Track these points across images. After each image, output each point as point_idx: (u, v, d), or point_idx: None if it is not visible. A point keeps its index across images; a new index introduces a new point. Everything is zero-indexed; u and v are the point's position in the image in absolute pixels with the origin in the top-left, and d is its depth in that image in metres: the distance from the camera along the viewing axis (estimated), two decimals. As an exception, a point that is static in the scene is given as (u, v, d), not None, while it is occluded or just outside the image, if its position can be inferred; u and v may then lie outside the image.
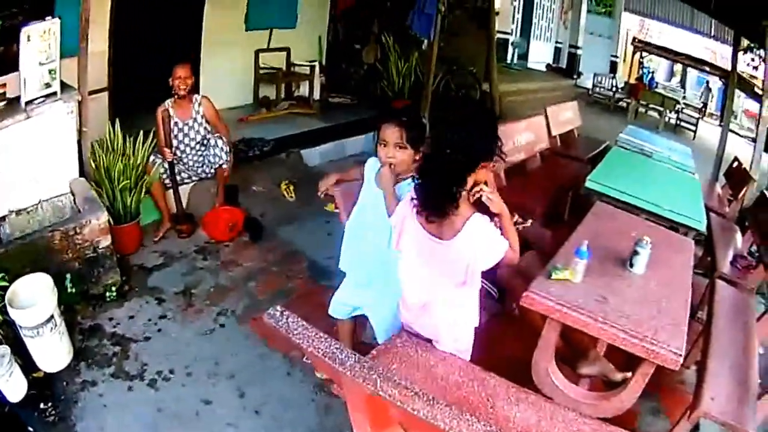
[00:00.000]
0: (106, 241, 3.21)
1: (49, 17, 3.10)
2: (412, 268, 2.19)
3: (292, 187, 4.89)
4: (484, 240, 1.99)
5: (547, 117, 6.14)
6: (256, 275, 3.69)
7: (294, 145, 5.63)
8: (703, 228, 3.96)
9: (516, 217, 3.07)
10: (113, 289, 3.21)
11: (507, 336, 3.28)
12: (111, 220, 3.31)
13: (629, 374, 2.43)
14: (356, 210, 2.56)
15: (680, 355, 2.12)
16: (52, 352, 2.59)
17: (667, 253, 3.09)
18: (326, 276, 3.64)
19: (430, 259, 2.11)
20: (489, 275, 2.82)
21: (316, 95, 7.42)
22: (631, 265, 2.76)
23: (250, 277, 3.65)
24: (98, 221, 3.16)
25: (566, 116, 6.91)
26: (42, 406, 2.41)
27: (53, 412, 2.40)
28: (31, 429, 2.32)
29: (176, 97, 3.95)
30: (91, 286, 3.17)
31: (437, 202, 1.96)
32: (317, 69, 7.40)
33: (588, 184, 4.32)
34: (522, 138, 5.30)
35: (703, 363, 2.60)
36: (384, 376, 1.38)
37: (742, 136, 13.94)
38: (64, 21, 3.15)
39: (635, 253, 2.74)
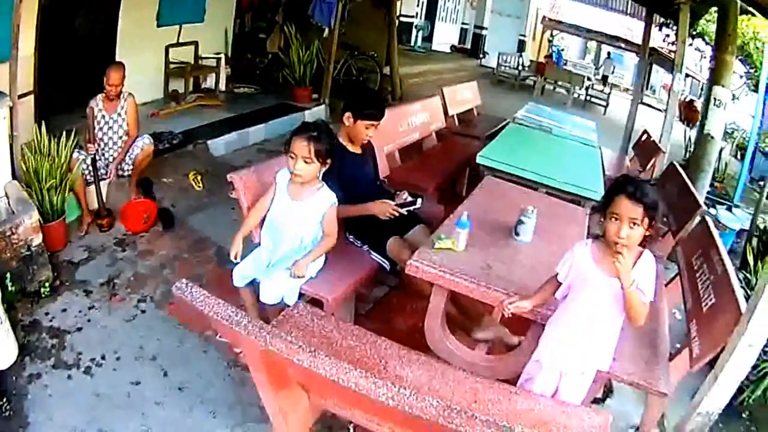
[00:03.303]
0: (38, 240, 3.38)
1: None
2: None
3: (199, 177, 5.25)
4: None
5: (443, 97, 6.26)
6: (170, 263, 3.98)
7: (201, 137, 5.98)
8: (600, 198, 4.20)
9: (405, 195, 3.18)
10: (47, 285, 3.39)
11: (404, 307, 3.53)
12: (41, 219, 3.47)
13: (524, 337, 2.56)
14: (268, 217, 2.78)
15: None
16: (2, 349, 2.69)
17: (559, 222, 3.20)
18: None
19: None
20: (380, 248, 3.12)
21: (222, 86, 7.74)
22: (517, 234, 2.85)
23: (165, 265, 3.93)
24: (30, 221, 3.31)
25: (464, 96, 7.11)
26: (-2, 402, 2.56)
27: (8, 407, 2.55)
28: None
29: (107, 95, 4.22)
30: (28, 283, 3.34)
31: None
32: (223, 60, 7.70)
33: (479, 159, 4.33)
34: (417, 118, 5.40)
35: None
36: (273, 333, 1.48)
37: (659, 110, 14.24)
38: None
39: (520, 222, 2.82)
